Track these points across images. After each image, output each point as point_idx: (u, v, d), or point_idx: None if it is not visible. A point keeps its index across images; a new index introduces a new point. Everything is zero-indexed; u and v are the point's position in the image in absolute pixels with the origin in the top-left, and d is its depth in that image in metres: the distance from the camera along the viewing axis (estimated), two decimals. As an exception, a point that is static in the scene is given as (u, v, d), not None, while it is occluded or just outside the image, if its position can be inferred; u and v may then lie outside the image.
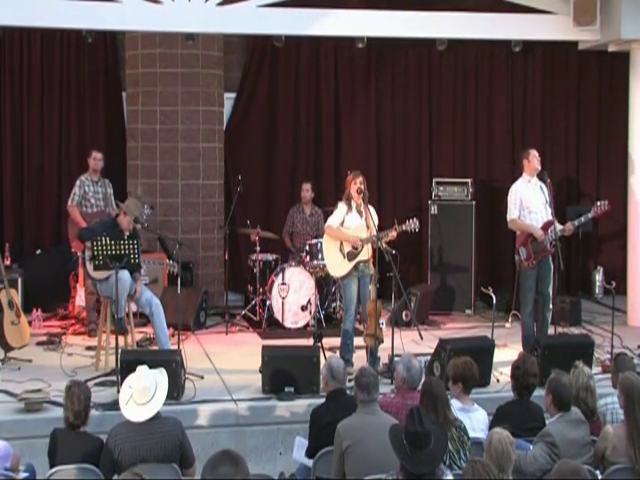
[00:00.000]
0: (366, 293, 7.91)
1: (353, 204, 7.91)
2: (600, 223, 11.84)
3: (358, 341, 8.01)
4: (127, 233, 7.84)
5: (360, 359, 7.90)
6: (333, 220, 7.96)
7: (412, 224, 7.88)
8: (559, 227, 8.27)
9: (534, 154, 8.43)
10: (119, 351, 7.08)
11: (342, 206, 7.95)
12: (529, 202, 8.37)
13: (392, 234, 7.82)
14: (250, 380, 7.47)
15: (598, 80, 11.91)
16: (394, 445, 4.32)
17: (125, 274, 7.70)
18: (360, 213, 7.90)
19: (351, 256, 7.85)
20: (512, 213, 8.43)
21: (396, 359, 7.45)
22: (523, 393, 5.83)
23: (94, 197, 9.34)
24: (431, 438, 4.25)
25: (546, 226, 8.30)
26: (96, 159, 9.43)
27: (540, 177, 8.44)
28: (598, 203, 8.44)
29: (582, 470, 4.39)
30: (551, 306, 8.38)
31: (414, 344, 8.10)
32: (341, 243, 7.89)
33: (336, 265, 7.94)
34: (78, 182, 9.36)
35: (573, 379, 5.70)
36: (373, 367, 7.13)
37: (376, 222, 7.89)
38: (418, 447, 4.22)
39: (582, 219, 8.37)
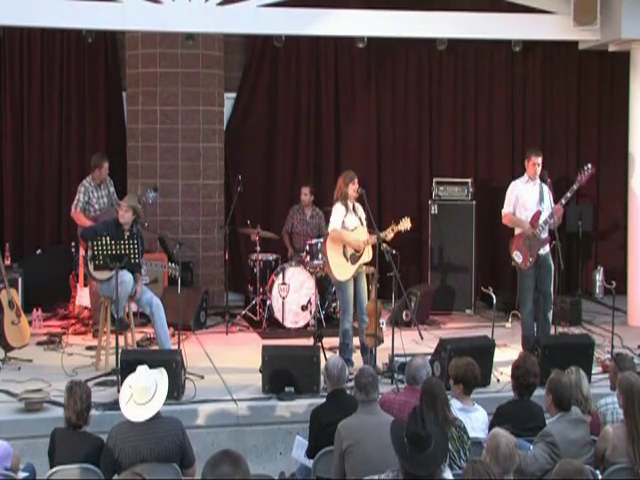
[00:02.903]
0: (361, 291, 7.92)
1: (349, 204, 7.94)
2: (600, 223, 11.85)
3: (358, 341, 8.01)
4: (127, 233, 7.84)
5: (360, 359, 7.91)
6: (336, 223, 7.94)
7: (404, 223, 7.93)
8: (547, 213, 8.27)
9: (534, 161, 8.43)
10: (119, 351, 7.09)
11: (340, 207, 7.96)
12: (525, 201, 8.46)
13: (390, 235, 7.86)
14: (250, 380, 7.47)
15: (598, 80, 11.90)
16: (395, 443, 4.29)
17: (127, 276, 7.71)
18: (355, 212, 7.96)
19: (354, 259, 7.87)
20: (505, 208, 8.58)
21: (396, 359, 7.47)
22: (523, 393, 5.83)
23: (98, 203, 9.28)
24: (432, 440, 4.24)
25: (534, 218, 8.34)
26: (106, 169, 9.37)
27: (541, 177, 8.46)
28: (584, 168, 8.44)
29: (585, 470, 4.39)
30: (552, 305, 8.39)
31: (414, 344, 8.10)
32: (344, 246, 7.89)
33: (340, 268, 7.92)
34: (82, 189, 9.24)
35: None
36: (373, 366, 7.15)
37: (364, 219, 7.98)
38: (419, 448, 4.21)
39: (568, 194, 8.41)
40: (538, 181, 8.45)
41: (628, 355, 6.89)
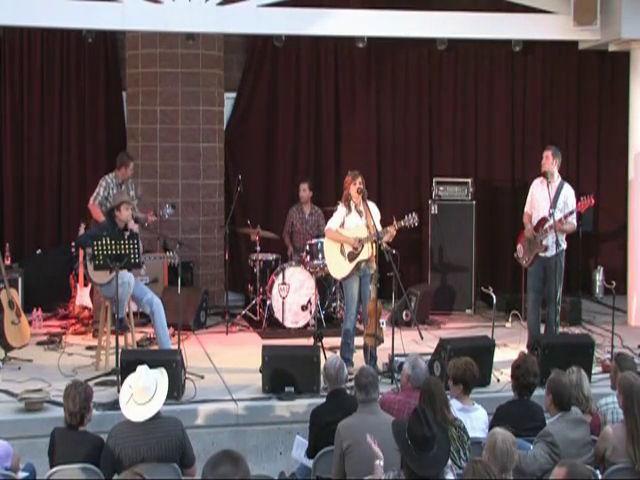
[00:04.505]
0: (367, 292, 7.91)
1: (352, 205, 7.92)
2: (600, 222, 11.85)
3: (359, 340, 8.01)
4: (127, 233, 7.84)
5: (361, 359, 7.91)
6: (332, 223, 7.97)
7: (410, 219, 7.87)
8: (547, 225, 8.29)
9: (544, 155, 8.48)
10: (119, 351, 7.09)
11: (341, 208, 7.96)
12: (536, 201, 8.52)
13: (391, 231, 7.82)
14: (250, 380, 7.47)
15: (598, 80, 11.91)
16: (399, 444, 4.29)
17: (127, 276, 7.71)
18: (360, 213, 7.91)
19: (352, 257, 7.86)
20: (525, 206, 8.69)
21: (396, 359, 7.47)
22: (523, 393, 5.83)
23: None
24: (435, 442, 4.24)
25: (539, 223, 8.34)
26: (131, 168, 9.41)
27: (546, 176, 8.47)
28: (586, 196, 8.43)
29: (595, 474, 4.38)
30: (559, 307, 8.38)
31: (414, 344, 8.10)
32: (341, 244, 7.89)
33: (337, 267, 7.94)
34: (104, 183, 9.26)
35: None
36: (373, 366, 7.14)
37: (378, 217, 7.94)
38: (424, 449, 4.21)
39: (567, 213, 8.37)
40: (556, 182, 8.40)
41: (629, 355, 6.90)
